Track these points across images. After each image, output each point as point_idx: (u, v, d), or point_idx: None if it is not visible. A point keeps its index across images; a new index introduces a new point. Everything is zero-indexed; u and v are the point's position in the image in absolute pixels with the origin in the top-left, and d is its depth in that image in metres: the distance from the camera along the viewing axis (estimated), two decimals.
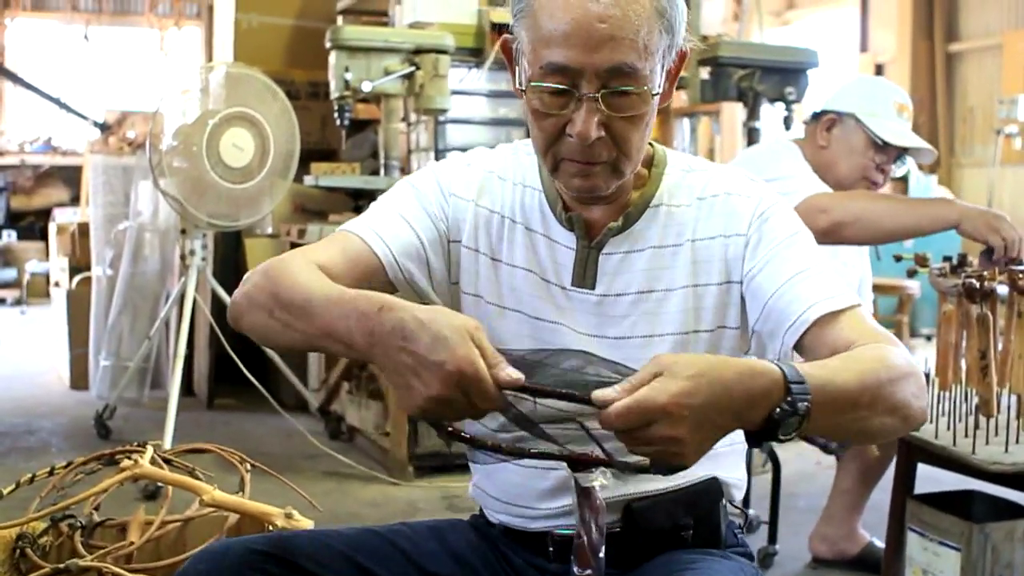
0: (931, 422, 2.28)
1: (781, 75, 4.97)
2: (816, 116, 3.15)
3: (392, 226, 1.56)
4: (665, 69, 1.45)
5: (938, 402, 2.31)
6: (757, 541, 3.27)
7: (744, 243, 1.53)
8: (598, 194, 1.50)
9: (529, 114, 1.47)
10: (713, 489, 1.58)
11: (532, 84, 1.43)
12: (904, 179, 7.97)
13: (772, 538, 3.28)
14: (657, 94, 1.43)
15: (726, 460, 1.60)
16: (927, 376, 2.49)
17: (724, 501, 1.60)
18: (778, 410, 1.21)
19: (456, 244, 1.60)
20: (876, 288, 6.57)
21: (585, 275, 1.55)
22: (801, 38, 10.27)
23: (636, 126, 1.44)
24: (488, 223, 1.60)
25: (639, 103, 1.42)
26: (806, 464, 4.29)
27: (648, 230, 1.55)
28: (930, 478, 2.55)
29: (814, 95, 4.85)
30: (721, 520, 1.59)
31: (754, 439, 1.26)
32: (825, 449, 3.17)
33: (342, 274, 1.47)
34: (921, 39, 9.41)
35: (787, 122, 5.01)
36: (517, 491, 1.59)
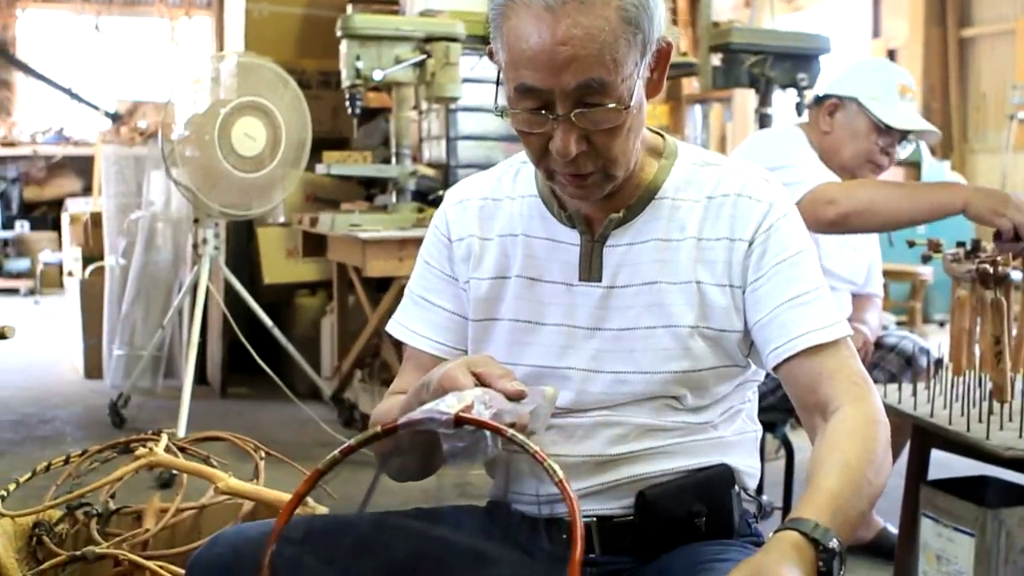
0: (945, 408, 2.28)
1: (793, 61, 4.96)
2: (819, 100, 3.14)
3: (429, 318, 1.66)
4: (642, 73, 1.45)
5: (952, 388, 2.30)
6: (771, 527, 3.26)
7: (747, 251, 1.52)
8: (594, 199, 1.53)
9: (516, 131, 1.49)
10: (724, 476, 1.57)
11: (510, 107, 1.45)
12: (916, 164, 7.94)
13: None
14: (627, 107, 1.42)
15: (738, 448, 1.60)
16: (940, 362, 2.49)
17: (736, 489, 1.59)
18: (821, 564, 1.26)
19: (467, 282, 1.64)
20: (889, 274, 6.56)
21: (591, 269, 1.56)
22: (813, 24, 10.24)
23: (617, 136, 1.44)
24: (491, 248, 1.62)
25: (614, 116, 1.42)
26: None
27: (652, 223, 1.55)
28: (943, 464, 2.54)
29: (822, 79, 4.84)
30: (734, 508, 1.58)
31: None
32: None
33: None
34: (933, 25, 9.37)
35: (799, 108, 5.00)
36: (522, 477, 1.60)
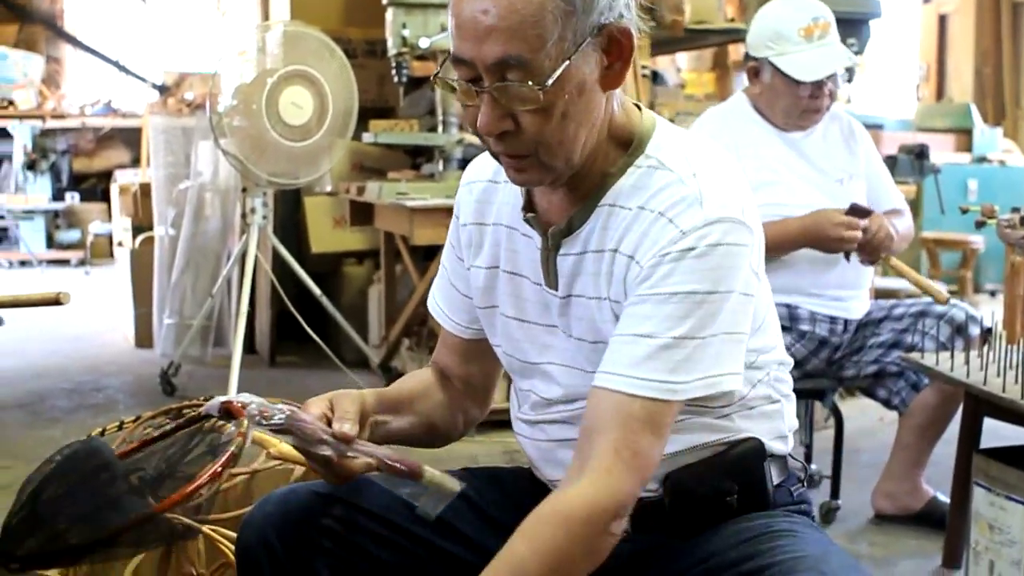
0: (998, 376, 2.25)
1: (843, 26, 4.82)
2: (747, 59, 3.16)
3: (448, 296, 1.70)
4: (584, 58, 1.35)
5: (1006, 356, 2.28)
6: (820, 496, 3.26)
7: (638, 273, 1.40)
8: (536, 187, 1.47)
9: None
10: (753, 450, 1.52)
11: (449, 78, 1.40)
12: (968, 131, 7.82)
13: (835, 493, 3.27)
14: (544, 88, 1.32)
15: (764, 417, 1.55)
16: (990, 331, 2.46)
17: (768, 461, 1.54)
18: None
19: (469, 269, 1.63)
20: (940, 243, 6.50)
21: (549, 275, 1.51)
22: None
23: (545, 119, 1.35)
24: (488, 236, 1.60)
25: (533, 96, 1.33)
26: (868, 419, 4.26)
27: (590, 232, 1.46)
28: (993, 433, 2.52)
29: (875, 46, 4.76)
30: (767, 481, 1.54)
31: None
32: (887, 404, 3.15)
33: (454, 363, 1.73)
34: None
35: (849, 73, 4.93)
36: (546, 455, 1.60)
